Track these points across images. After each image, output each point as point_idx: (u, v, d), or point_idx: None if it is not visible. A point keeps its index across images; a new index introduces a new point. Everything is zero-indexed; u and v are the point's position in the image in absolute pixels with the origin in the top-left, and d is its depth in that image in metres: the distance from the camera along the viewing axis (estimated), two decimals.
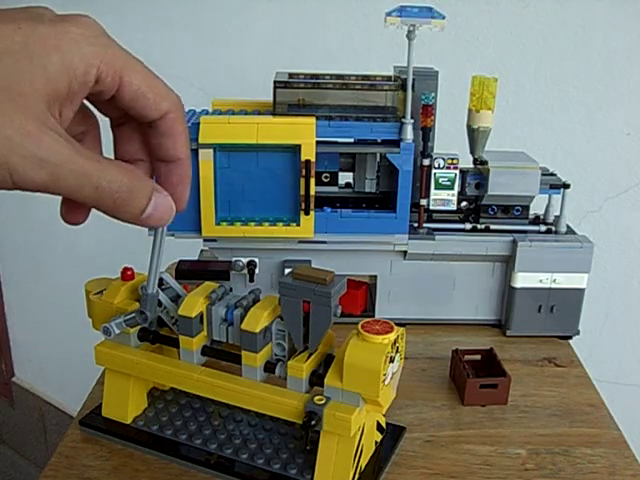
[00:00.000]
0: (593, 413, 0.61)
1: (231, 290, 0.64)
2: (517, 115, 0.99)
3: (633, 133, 0.99)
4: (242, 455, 0.51)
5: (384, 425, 0.54)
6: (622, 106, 0.98)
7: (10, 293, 1.51)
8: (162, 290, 0.53)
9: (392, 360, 0.47)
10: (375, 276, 0.73)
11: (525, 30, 0.97)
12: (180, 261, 0.69)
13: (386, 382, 0.46)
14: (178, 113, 0.39)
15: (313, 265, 0.71)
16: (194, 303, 0.51)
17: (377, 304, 0.74)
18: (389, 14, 0.64)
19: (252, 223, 0.68)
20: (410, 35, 0.65)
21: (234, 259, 0.71)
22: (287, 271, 0.71)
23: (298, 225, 0.68)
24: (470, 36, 0.98)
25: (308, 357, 0.49)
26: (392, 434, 0.55)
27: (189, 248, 0.74)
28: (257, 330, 0.49)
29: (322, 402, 0.47)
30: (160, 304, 0.53)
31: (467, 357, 0.64)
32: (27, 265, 1.43)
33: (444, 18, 0.64)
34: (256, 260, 0.71)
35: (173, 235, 0.69)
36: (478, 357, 0.65)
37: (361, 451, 0.49)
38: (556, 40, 0.97)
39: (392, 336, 0.46)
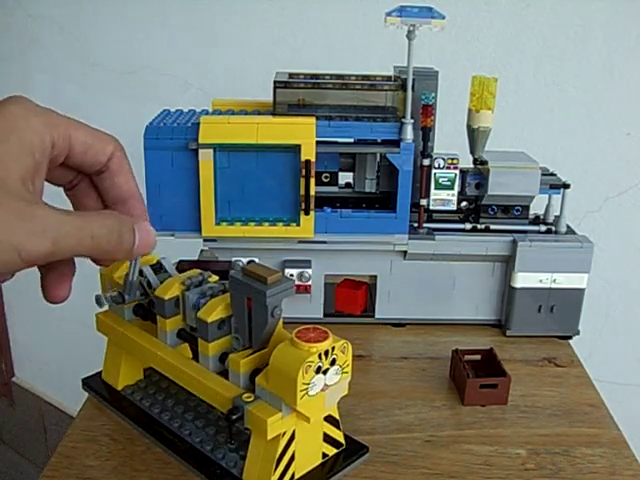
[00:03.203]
0: (593, 413, 0.61)
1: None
2: (517, 115, 0.99)
3: (633, 133, 0.99)
4: (196, 438, 0.53)
5: (342, 440, 0.53)
6: (622, 106, 0.98)
7: (10, 293, 1.51)
8: (157, 273, 0.56)
9: (324, 372, 0.46)
10: (375, 276, 0.73)
11: (525, 30, 0.97)
12: (180, 261, 0.69)
13: (311, 393, 0.45)
14: (122, 151, 0.43)
15: (313, 265, 0.71)
16: (169, 287, 0.53)
17: (377, 304, 0.74)
18: (389, 14, 0.64)
19: (252, 223, 0.68)
20: (410, 35, 0.65)
21: (234, 259, 0.71)
22: (287, 271, 0.71)
23: (298, 225, 0.68)
24: (470, 36, 0.98)
25: (252, 354, 0.49)
26: (351, 451, 0.53)
27: (189, 248, 0.74)
28: (209, 320, 0.49)
29: (250, 400, 0.47)
30: (150, 285, 0.55)
31: (467, 357, 0.64)
32: None
33: (444, 18, 0.64)
34: (256, 260, 0.71)
35: (173, 235, 0.69)
36: (478, 357, 0.65)
37: (292, 458, 0.48)
38: (556, 40, 0.97)
39: (322, 346, 0.45)
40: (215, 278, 0.55)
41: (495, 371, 0.62)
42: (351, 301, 0.74)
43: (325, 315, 0.74)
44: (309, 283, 0.71)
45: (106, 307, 0.57)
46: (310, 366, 0.44)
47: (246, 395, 0.47)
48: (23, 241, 0.34)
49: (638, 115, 0.98)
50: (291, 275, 0.71)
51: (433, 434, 0.57)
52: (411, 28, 0.64)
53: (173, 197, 0.68)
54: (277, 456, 0.47)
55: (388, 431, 0.57)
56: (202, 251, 0.76)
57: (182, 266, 0.68)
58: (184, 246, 0.71)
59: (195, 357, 0.53)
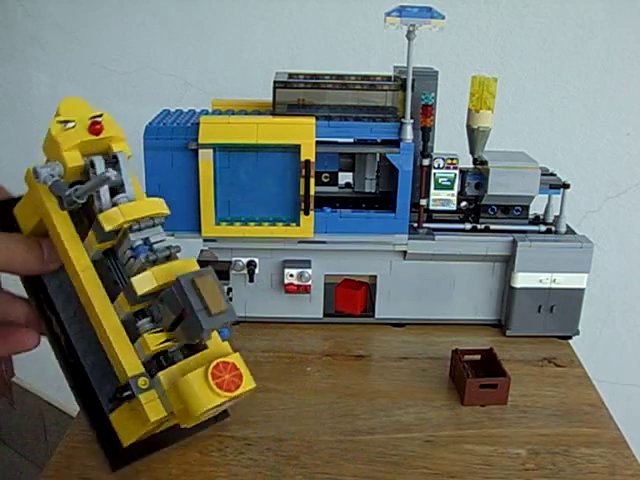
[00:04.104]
0: (593, 413, 0.61)
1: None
2: (517, 115, 0.99)
3: (633, 133, 0.99)
4: (88, 360, 0.52)
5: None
6: (622, 106, 0.98)
7: None
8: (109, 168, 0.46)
9: (225, 403, 0.47)
10: (375, 276, 0.73)
11: (525, 30, 0.97)
12: None
13: (204, 417, 0.46)
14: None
15: (313, 265, 0.71)
16: (115, 219, 0.46)
17: (377, 304, 0.74)
18: (389, 14, 0.64)
19: (252, 223, 0.68)
20: (410, 35, 0.65)
21: (234, 259, 0.71)
22: (287, 271, 0.71)
23: (298, 225, 0.68)
24: (470, 36, 0.98)
25: (165, 341, 0.47)
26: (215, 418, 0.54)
27: (189, 248, 0.74)
28: (139, 292, 0.46)
29: (144, 387, 0.47)
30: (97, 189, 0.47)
31: (467, 357, 0.64)
32: None
33: (444, 18, 0.64)
34: (256, 260, 0.71)
35: (173, 235, 0.69)
36: (478, 357, 0.65)
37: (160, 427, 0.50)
38: (556, 40, 0.97)
39: (231, 394, 0.45)
40: (162, 234, 0.49)
41: (495, 371, 0.62)
42: (351, 301, 0.74)
43: (325, 315, 0.74)
44: (309, 283, 0.71)
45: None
46: (214, 407, 0.45)
47: (142, 381, 0.47)
48: None
49: (638, 115, 0.98)
50: (291, 275, 0.71)
51: (433, 434, 0.57)
52: (411, 28, 0.64)
53: (173, 197, 0.67)
54: (150, 428, 0.48)
55: (388, 431, 0.57)
56: (202, 251, 0.76)
57: None
58: (184, 246, 0.70)
59: (104, 283, 0.49)
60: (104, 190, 0.47)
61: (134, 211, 0.47)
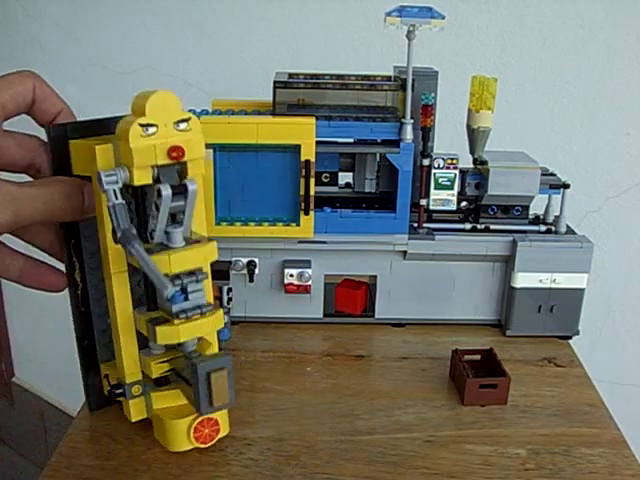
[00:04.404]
0: (593, 413, 0.61)
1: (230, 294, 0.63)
2: (517, 115, 0.99)
3: (633, 133, 0.99)
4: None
5: None
6: (622, 106, 0.98)
7: (10, 293, 1.51)
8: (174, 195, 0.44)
9: None
10: (375, 276, 0.73)
11: (525, 30, 0.97)
12: None
13: None
14: (40, 79, 0.47)
15: (313, 265, 0.71)
16: (165, 263, 0.44)
17: (377, 304, 0.74)
18: (389, 14, 0.64)
19: (252, 223, 0.69)
20: (410, 35, 0.65)
21: (234, 259, 0.71)
22: (287, 271, 0.71)
23: (298, 225, 0.68)
24: (470, 36, 0.98)
25: (168, 371, 0.51)
26: None
27: None
28: (160, 342, 0.47)
29: (137, 394, 0.51)
30: (157, 207, 0.44)
31: (467, 357, 0.64)
32: None
33: (444, 18, 0.64)
34: (256, 260, 0.71)
35: None
36: (478, 357, 0.65)
37: None
38: (556, 40, 0.97)
39: (205, 445, 0.52)
40: (201, 284, 0.47)
41: (495, 371, 0.62)
42: (351, 301, 0.74)
43: (325, 315, 0.74)
44: (309, 283, 0.71)
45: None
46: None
47: (136, 389, 0.50)
48: None
49: (638, 115, 0.98)
50: (291, 275, 0.71)
51: (433, 434, 0.57)
52: (411, 28, 0.64)
53: None
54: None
55: (388, 431, 0.57)
56: None
57: None
58: None
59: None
60: (162, 219, 0.44)
61: (181, 264, 0.45)
